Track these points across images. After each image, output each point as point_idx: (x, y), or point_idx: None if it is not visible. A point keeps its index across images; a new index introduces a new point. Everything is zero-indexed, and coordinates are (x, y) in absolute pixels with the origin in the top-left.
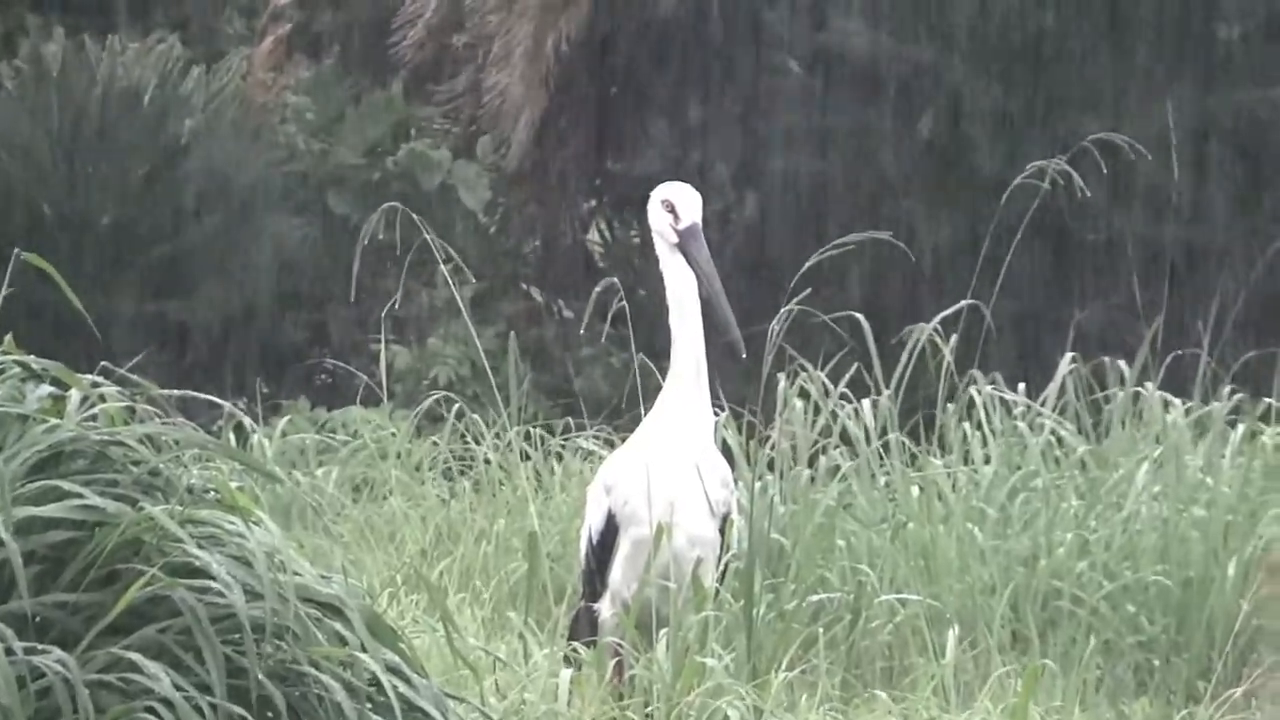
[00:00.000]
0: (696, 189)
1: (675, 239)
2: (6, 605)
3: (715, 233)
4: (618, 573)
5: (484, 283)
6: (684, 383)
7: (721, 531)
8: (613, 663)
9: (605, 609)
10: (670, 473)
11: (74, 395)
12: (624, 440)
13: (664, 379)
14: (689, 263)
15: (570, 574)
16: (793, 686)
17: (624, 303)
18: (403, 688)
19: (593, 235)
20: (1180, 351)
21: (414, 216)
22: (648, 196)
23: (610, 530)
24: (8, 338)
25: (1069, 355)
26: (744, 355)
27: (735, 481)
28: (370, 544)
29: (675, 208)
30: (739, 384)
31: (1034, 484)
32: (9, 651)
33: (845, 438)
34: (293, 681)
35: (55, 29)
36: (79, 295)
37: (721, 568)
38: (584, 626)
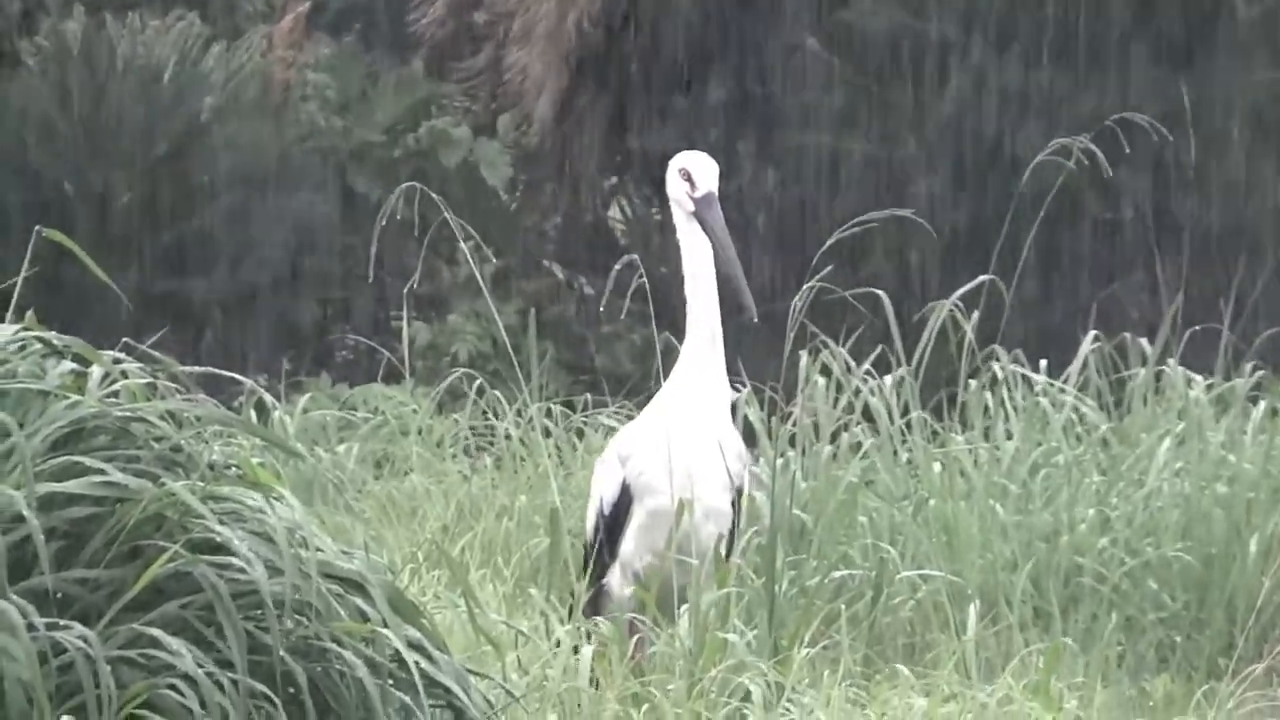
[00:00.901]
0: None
1: (692, 207)
2: (28, 581)
3: (735, 211)
4: (630, 544)
5: (505, 260)
6: (699, 353)
7: (734, 504)
8: (633, 640)
9: (614, 581)
10: (688, 443)
11: (95, 371)
12: None
13: None
14: (705, 230)
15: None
16: (814, 663)
17: (644, 279)
18: (424, 663)
19: (614, 212)
20: (1201, 328)
21: (433, 195)
22: (666, 174)
23: (624, 501)
24: (29, 314)
25: (1091, 333)
26: (755, 319)
27: (755, 458)
28: (392, 520)
29: (692, 176)
30: (761, 360)
31: (1056, 460)
32: (31, 627)
33: (867, 414)
34: (314, 657)
35: (76, 6)
36: (101, 272)
37: (740, 541)
38: (594, 603)
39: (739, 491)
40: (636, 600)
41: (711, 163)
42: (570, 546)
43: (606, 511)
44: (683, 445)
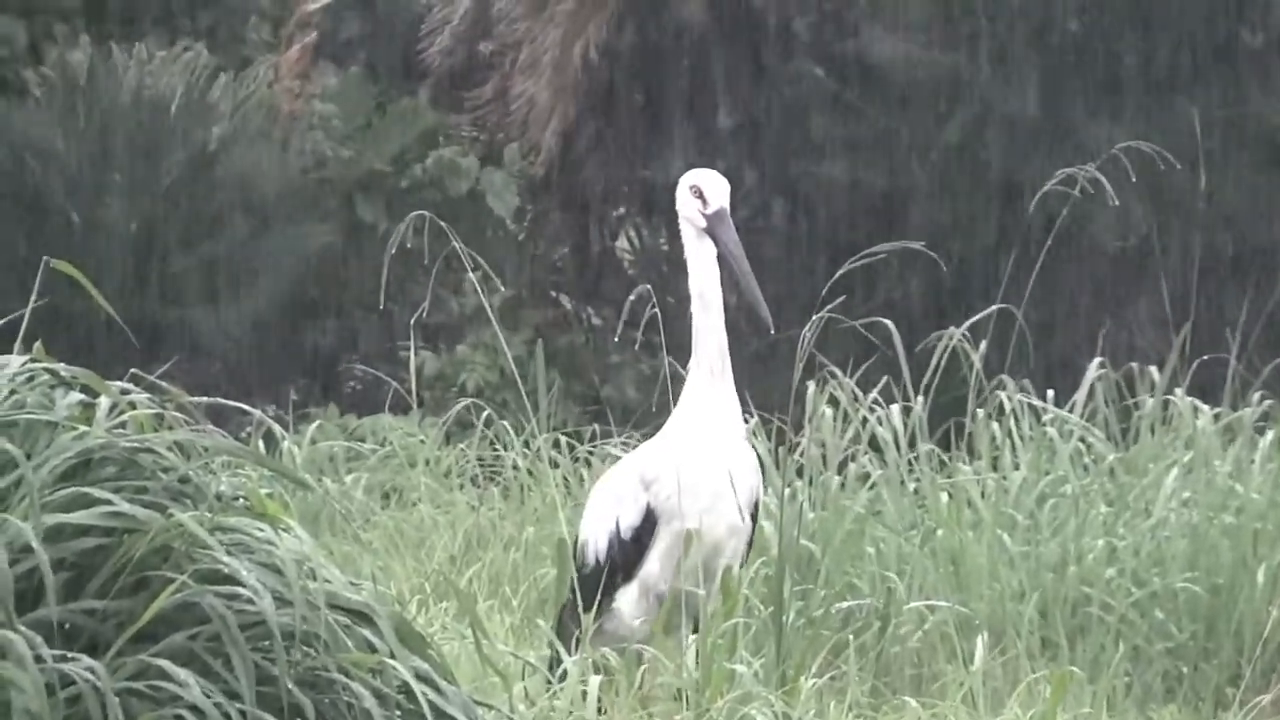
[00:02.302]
0: None
1: (703, 223)
2: (36, 612)
3: (742, 239)
4: (655, 566)
5: (513, 290)
6: (710, 373)
7: (753, 517)
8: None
9: (626, 606)
10: (711, 464)
11: (103, 402)
12: None
13: None
14: (717, 245)
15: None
16: (822, 693)
17: (655, 309)
18: (432, 695)
19: (621, 242)
20: (1209, 357)
21: (442, 224)
22: (674, 204)
23: (647, 525)
24: (37, 345)
25: (1096, 360)
26: (772, 331)
27: (765, 488)
28: (399, 551)
29: (704, 193)
30: (768, 391)
31: (1063, 490)
32: (38, 659)
33: (874, 444)
34: (322, 689)
35: (82, 37)
36: (108, 303)
37: (749, 568)
38: (570, 629)
39: (755, 506)
40: (649, 626)
41: (722, 179)
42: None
43: (626, 536)
44: (706, 467)
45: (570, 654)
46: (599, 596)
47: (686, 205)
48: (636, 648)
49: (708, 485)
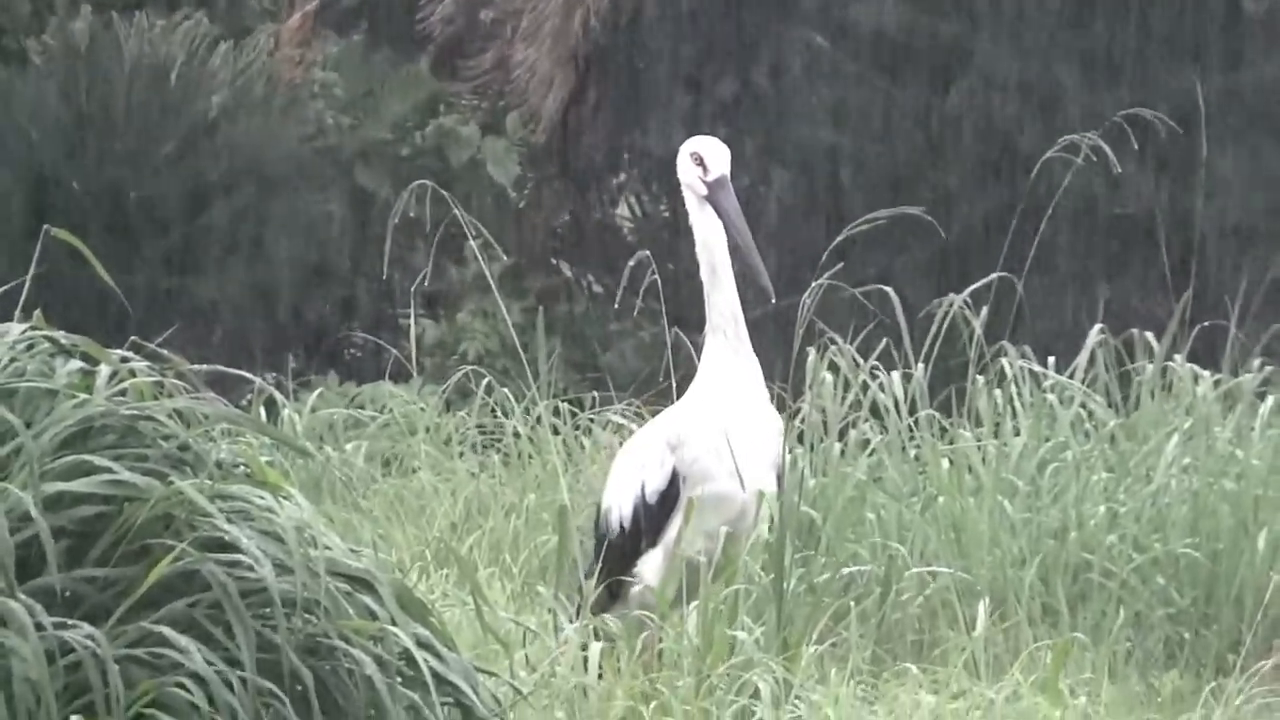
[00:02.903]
0: None
1: (704, 191)
2: (36, 580)
3: (743, 207)
4: (686, 530)
5: (513, 258)
6: (726, 336)
7: (779, 480)
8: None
9: (649, 570)
10: (736, 426)
11: (103, 370)
12: (653, 414)
13: (696, 352)
14: (718, 213)
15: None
16: (823, 660)
17: (656, 277)
18: (433, 661)
19: (621, 210)
20: (1209, 324)
21: (443, 193)
22: (675, 171)
23: (673, 489)
24: (37, 313)
25: (1097, 327)
26: (773, 300)
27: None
28: (400, 518)
29: (704, 160)
30: (769, 358)
31: (1064, 456)
32: (39, 627)
33: (875, 411)
34: (323, 656)
35: (83, 6)
36: (108, 271)
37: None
38: (600, 599)
39: (782, 467)
40: (675, 586)
41: (723, 147)
42: (580, 544)
43: (652, 500)
44: (735, 429)
45: (610, 624)
46: (616, 561)
47: (687, 173)
48: (637, 614)
49: (734, 447)
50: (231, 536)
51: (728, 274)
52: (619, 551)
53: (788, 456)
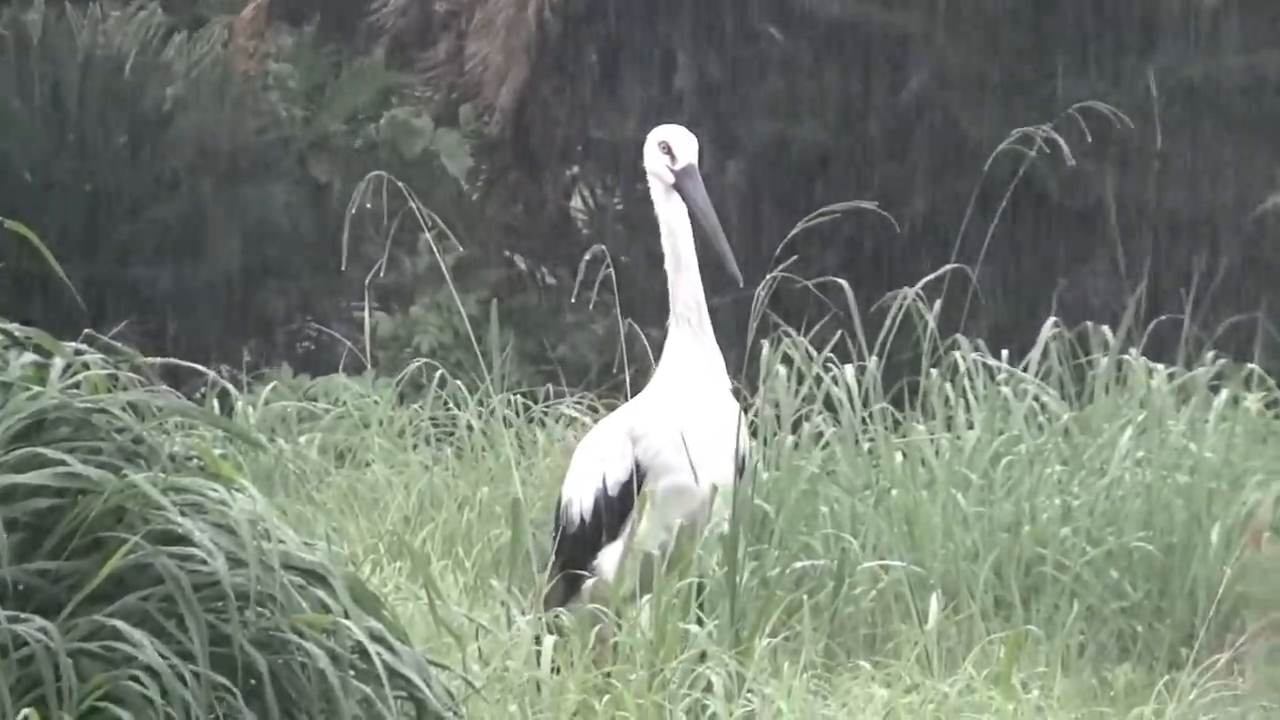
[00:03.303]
0: None
1: (672, 179)
2: None
3: None
4: (647, 522)
5: (467, 250)
6: (690, 326)
7: (740, 472)
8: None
9: (608, 564)
10: (700, 418)
11: (57, 363)
12: (608, 407)
13: (650, 345)
14: (686, 201)
15: (549, 540)
16: (776, 653)
17: (610, 270)
18: (386, 655)
19: (575, 202)
20: (1163, 317)
21: (399, 184)
22: (630, 163)
23: (633, 482)
24: None
25: (1050, 320)
26: (741, 284)
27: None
28: (353, 511)
29: (672, 148)
30: (723, 350)
31: (1017, 450)
32: None
33: (829, 404)
34: (276, 649)
35: None
36: (62, 263)
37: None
38: (556, 592)
39: (743, 459)
40: (634, 580)
41: (690, 136)
42: (533, 538)
43: (614, 492)
44: (696, 421)
45: (563, 618)
46: (572, 555)
47: (655, 162)
48: (591, 608)
49: (696, 439)
50: (185, 529)
51: (692, 264)
52: (578, 544)
53: (749, 448)
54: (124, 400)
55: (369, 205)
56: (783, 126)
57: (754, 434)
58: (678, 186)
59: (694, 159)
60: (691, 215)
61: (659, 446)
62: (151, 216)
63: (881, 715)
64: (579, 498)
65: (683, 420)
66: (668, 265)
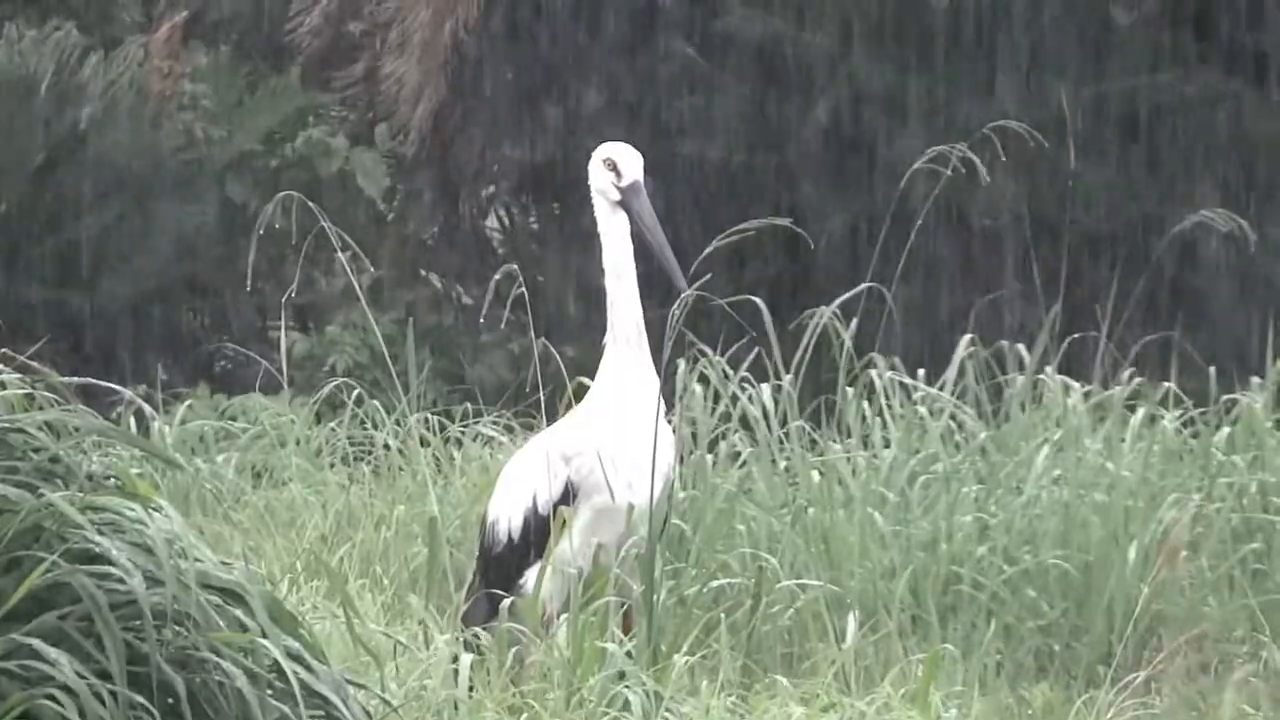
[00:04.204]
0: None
1: (618, 196)
2: None
3: None
4: (576, 541)
5: (383, 270)
6: (628, 346)
7: (669, 494)
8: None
9: (532, 583)
10: (633, 439)
11: None
12: (523, 426)
13: (564, 364)
14: (633, 218)
15: (471, 559)
16: (693, 672)
17: (523, 289)
18: (303, 674)
19: (491, 222)
20: (1079, 335)
21: (310, 204)
22: (544, 183)
23: (566, 501)
24: None
25: (966, 338)
26: (685, 291)
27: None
28: (270, 530)
29: (617, 165)
30: None
31: (934, 468)
32: None
33: (745, 423)
34: (193, 668)
35: None
36: None
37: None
38: (481, 612)
39: (670, 483)
40: (561, 599)
41: (635, 153)
42: (450, 556)
43: (544, 511)
44: (629, 442)
45: (481, 638)
46: (489, 580)
47: (600, 179)
48: (507, 626)
49: (629, 459)
50: (102, 548)
51: (632, 283)
52: (505, 563)
53: (678, 469)
54: (41, 420)
55: (278, 225)
56: (698, 146)
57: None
58: (624, 203)
59: (639, 175)
60: (638, 231)
61: (592, 465)
62: (68, 236)
63: None
64: (507, 515)
65: (616, 441)
66: (608, 283)
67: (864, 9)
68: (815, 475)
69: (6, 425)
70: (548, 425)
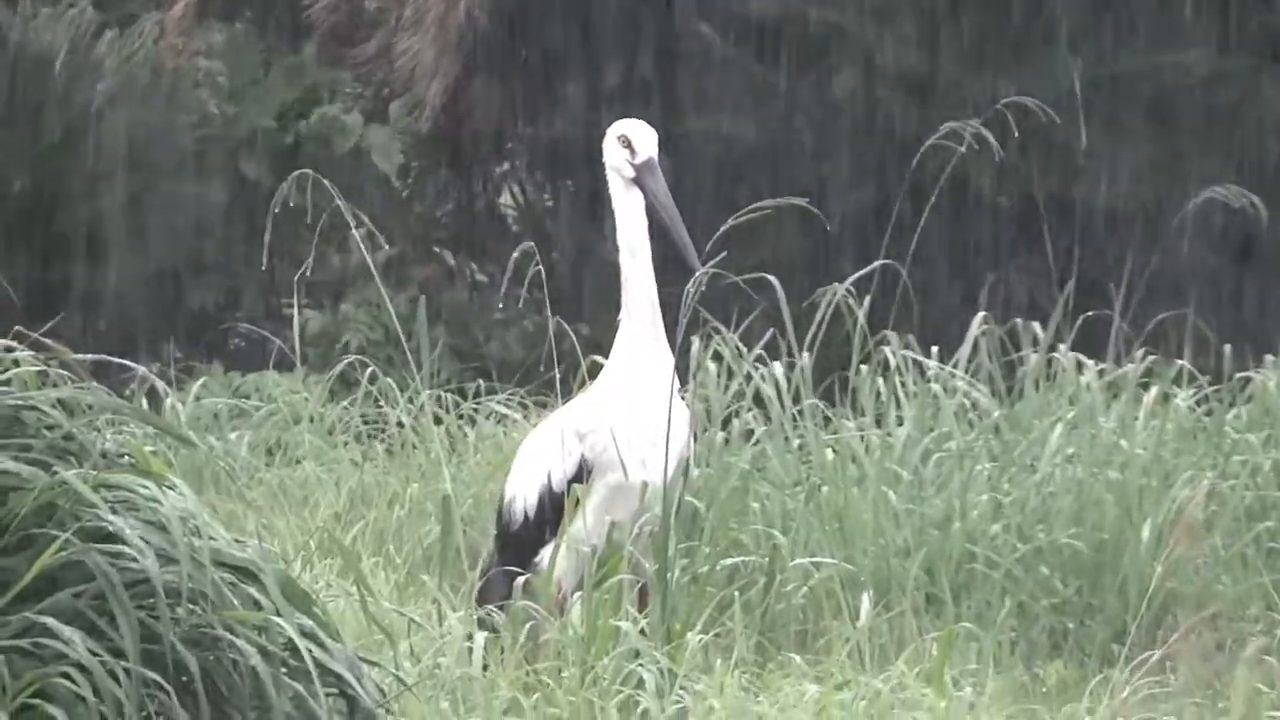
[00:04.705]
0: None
1: (632, 173)
2: None
3: None
4: (591, 519)
5: (397, 247)
6: (642, 323)
7: (685, 472)
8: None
9: (548, 560)
10: (646, 416)
11: None
12: (537, 404)
13: (578, 342)
14: (647, 195)
15: (485, 537)
16: (707, 650)
17: (539, 266)
18: (317, 652)
19: (505, 199)
20: (1093, 313)
21: (325, 182)
22: (558, 160)
23: (581, 478)
24: None
25: (980, 315)
26: (698, 270)
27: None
28: (284, 508)
29: (632, 142)
30: None
31: (948, 446)
32: None
33: (759, 400)
34: (207, 646)
35: None
36: None
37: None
38: (498, 590)
39: (687, 460)
40: (576, 577)
41: (650, 130)
42: (464, 534)
43: (559, 489)
44: (645, 418)
45: (499, 615)
46: (514, 550)
47: (614, 155)
48: (522, 604)
49: (643, 436)
50: (115, 527)
51: (647, 260)
52: (521, 542)
53: (693, 447)
54: (54, 397)
55: (292, 203)
56: (713, 123)
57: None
58: (638, 180)
59: (654, 152)
60: (651, 208)
61: (606, 443)
62: (82, 214)
63: (813, 712)
64: (523, 494)
65: (630, 418)
66: (622, 260)
67: None
68: (829, 453)
69: (20, 403)
70: (562, 403)
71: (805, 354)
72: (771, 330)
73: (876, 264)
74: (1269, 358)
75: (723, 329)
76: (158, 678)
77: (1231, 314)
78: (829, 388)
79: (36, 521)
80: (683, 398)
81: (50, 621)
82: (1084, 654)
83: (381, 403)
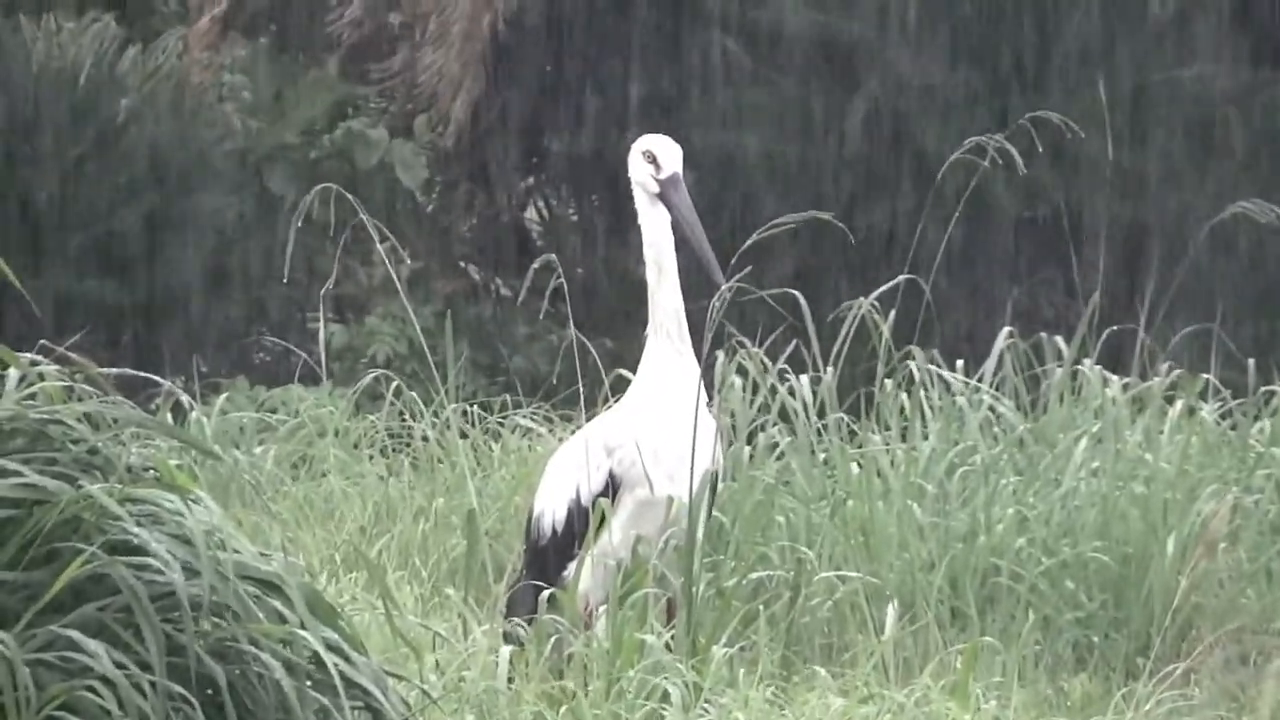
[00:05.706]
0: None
1: (657, 189)
2: None
3: None
4: (617, 533)
5: (421, 261)
6: (669, 338)
7: (713, 485)
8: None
9: (581, 577)
10: (676, 432)
11: (12, 374)
12: (563, 417)
13: (601, 357)
14: (672, 210)
15: (510, 551)
16: (732, 663)
17: (562, 280)
18: (342, 665)
19: (530, 213)
20: (1117, 327)
21: (349, 196)
22: (582, 175)
23: (609, 493)
24: None
25: (1005, 330)
26: (722, 284)
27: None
28: (309, 522)
29: (657, 158)
30: None
31: (972, 460)
32: None
33: (784, 415)
34: (232, 659)
35: None
36: (16, 275)
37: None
38: (524, 604)
39: (716, 474)
40: (604, 591)
41: (675, 145)
42: (489, 548)
43: (587, 503)
44: (673, 433)
45: (525, 629)
46: (542, 565)
47: (639, 170)
48: (548, 618)
49: (671, 451)
50: (141, 540)
51: (673, 274)
52: (549, 556)
53: (723, 462)
54: (80, 411)
55: (315, 218)
56: (737, 137)
57: None
58: (662, 195)
59: (679, 168)
60: (676, 223)
61: (635, 457)
62: (107, 228)
63: None
64: (552, 509)
65: (657, 433)
66: (648, 275)
67: (903, 1)
68: (854, 467)
69: (46, 417)
70: (586, 417)
71: (830, 368)
72: (796, 344)
73: (901, 278)
74: None
75: (747, 343)
76: (183, 691)
77: (1256, 328)
78: (854, 402)
79: (62, 535)
80: (710, 411)
81: (76, 635)
82: (1108, 667)
83: (407, 417)
